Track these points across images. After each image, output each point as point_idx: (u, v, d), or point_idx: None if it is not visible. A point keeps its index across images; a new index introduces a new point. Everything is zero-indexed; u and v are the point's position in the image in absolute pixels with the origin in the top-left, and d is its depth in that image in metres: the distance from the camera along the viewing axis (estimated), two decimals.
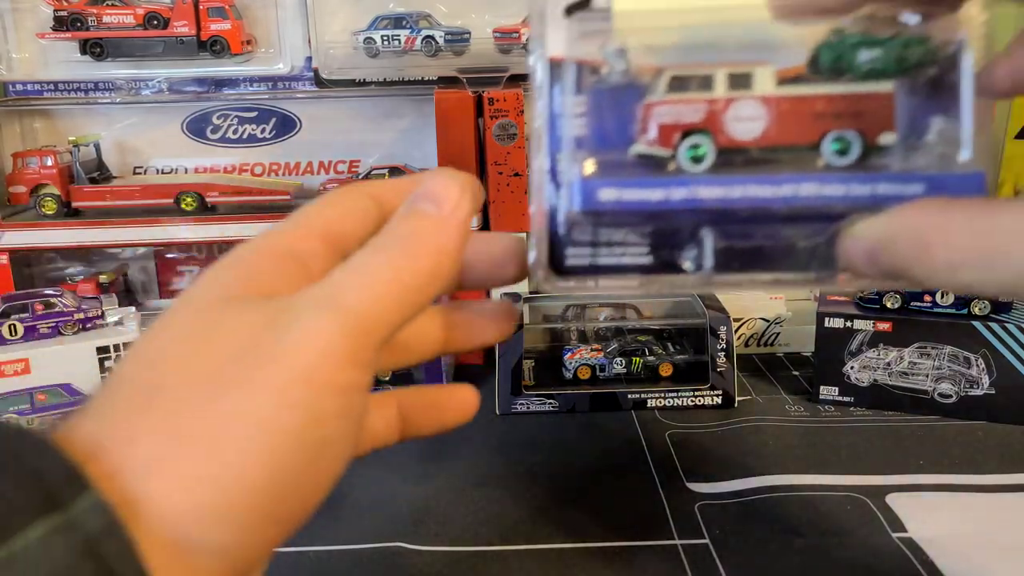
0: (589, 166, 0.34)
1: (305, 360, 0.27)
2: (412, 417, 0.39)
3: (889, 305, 0.71)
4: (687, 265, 0.35)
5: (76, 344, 0.71)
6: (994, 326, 0.69)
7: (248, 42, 0.86)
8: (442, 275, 0.32)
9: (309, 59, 0.86)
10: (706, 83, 0.34)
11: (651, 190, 0.34)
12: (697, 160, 0.34)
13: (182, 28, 0.84)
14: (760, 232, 0.34)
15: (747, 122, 0.34)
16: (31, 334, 0.71)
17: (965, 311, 0.70)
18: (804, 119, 0.34)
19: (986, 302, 0.69)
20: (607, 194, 0.34)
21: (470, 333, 0.41)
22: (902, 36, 0.34)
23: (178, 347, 0.28)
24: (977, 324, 0.69)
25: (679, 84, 0.34)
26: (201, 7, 0.84)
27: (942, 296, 0.70)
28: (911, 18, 0.34)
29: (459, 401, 0.40)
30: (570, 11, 0.35)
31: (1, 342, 0.70)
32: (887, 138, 0.34)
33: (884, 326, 0.71)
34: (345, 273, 0.30)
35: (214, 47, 0.84)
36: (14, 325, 0.71)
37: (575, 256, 0.36)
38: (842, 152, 0.34)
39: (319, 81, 0.86)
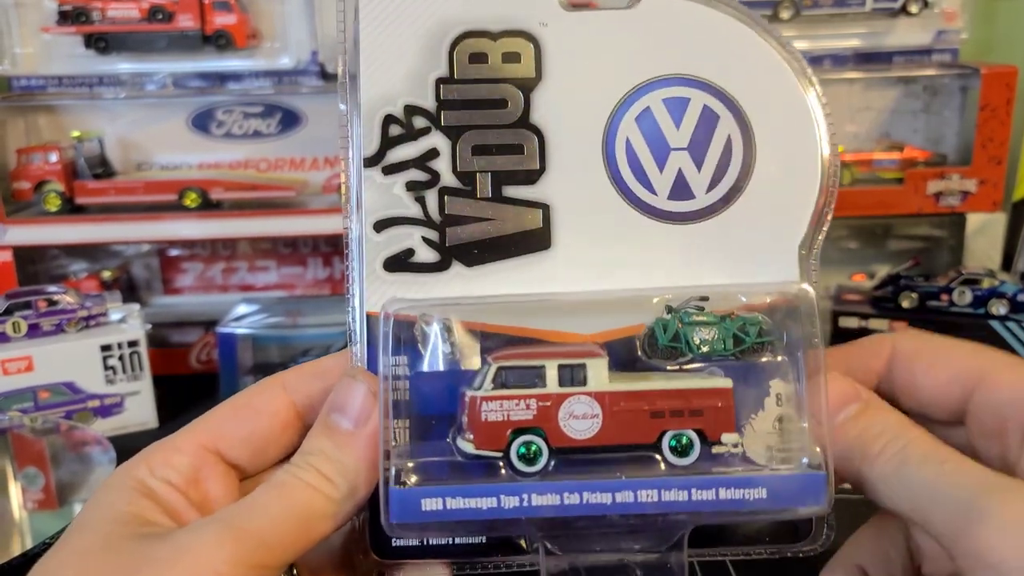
0: (409, 473, 0.33)
1: (197, 565, 0.29)
2: None
3: (905, 304, 0.70)
4: (524, 543, 0.34)
5: (79, 341, 0.71)
6: (1012, 326, 0.67)
7: (253, 36, 0.85)
8: (356, 495, 0.32)
9: (315, 53, 0.85)
10: (537, 376, 0.33)
11: (480, 499, 0.32)
12: (530, 460, 0.33)
13: (186, 22, 0.83)
14: (599, 544, 0.33)
15: (582, 420, 0.33)
16: (34, 331, 0.70)
17: (983, 311, 0.68)
18: (641, 418, 0.33)
19: (1004, 301, 0.68)
20: (431, 504, 0.32)
21: None
22: (737, 317, 0.35)
23: (76, 564, 0.30)
24: (995, 324, 0.67)
25: (507, 377, 0.33)
26: (205, 1, 0.83)
27: (959, 295, 0.69)
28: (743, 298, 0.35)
29: None
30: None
31: (4, 339, 0.70)
32: (729, 438, 0.34)
33: (900, 326, 0.70)
34: (256, 491, 0.32)
35: (219, 41, 0.83)
36: (17, 322, 0.70)
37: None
38: (681, 452, 0.33)
39: (325, 75, 0.85)
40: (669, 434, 0.33)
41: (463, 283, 0.37)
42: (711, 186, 0.37)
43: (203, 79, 0.86)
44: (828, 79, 0.86)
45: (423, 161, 0.36)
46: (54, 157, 0.83)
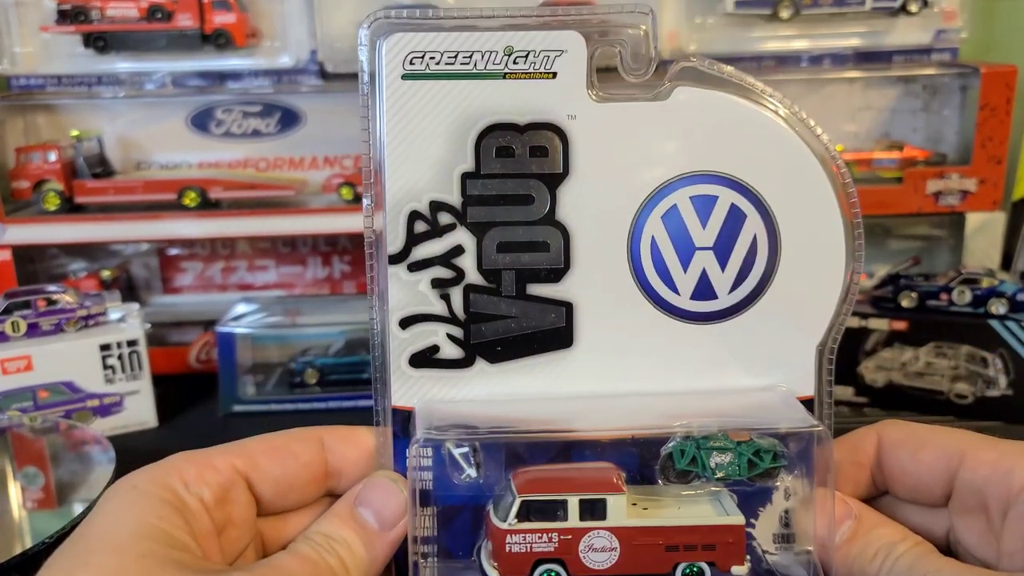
0: None
1: None
2: None
3: (905, 304, 0.70)
4: None
5: (78, 341, 0.71)
6: (1011, 325, 0.67)
7: (253, 35, 0.85)
8: None
9: (314, 52, 0.85)
10: (559, 509, 0.35)
11: None
12: None
13: (186, 21, 0.83)
14: None
15: (600, 552, 0.35)
16: (34, 331, 0.70)
17: (982, 310, 0.68)
18: (657, 551, 0.35)
19: (1004, 300, 0.68)
20: None
21: None
22: (752, 442, 0.36)
23: None
24: (994, 323, 0.67)
25: (531, 510, 0.35)
26: (204, 0, 0.83)
27: (959, 295, 0.69)
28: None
29: None
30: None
31: (3, 339, 0.69)
32: (739, 570, 0.36)
33: (900, 325, 0.70)
34: (284, 556, 0.33)
35: (218, 40, 0.83)
36: (16, 322, 0.70)
37: None
38: None
39: (324, 75, 0.85)
40: (682, 565, 0.35)
41: (486, 379, 0.37)
42: (734, 287, 0.37)
43: (202, 78, 0.86)
44: (828, 79, 0.86)
45: (448, 258, 0.37)
46: (53, 156, 0.83)
